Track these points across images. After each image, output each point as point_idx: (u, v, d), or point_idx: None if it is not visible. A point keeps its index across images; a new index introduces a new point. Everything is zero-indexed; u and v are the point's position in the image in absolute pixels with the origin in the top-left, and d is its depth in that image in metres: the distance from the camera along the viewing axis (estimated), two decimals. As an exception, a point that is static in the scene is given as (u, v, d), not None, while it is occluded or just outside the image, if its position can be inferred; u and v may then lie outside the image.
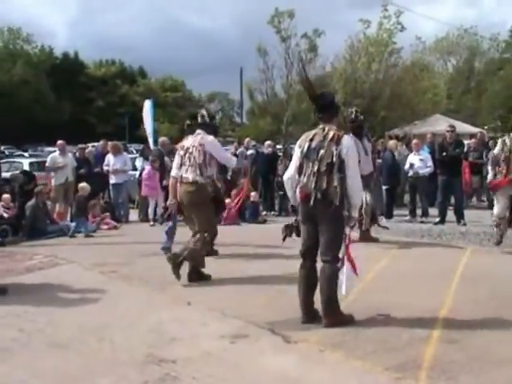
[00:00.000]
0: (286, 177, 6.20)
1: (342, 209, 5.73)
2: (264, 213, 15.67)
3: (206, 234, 7.84)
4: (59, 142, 14.74)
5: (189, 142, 8.15)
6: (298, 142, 6.15)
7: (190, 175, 7.92)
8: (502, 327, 5.71)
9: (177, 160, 8.17)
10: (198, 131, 8.19)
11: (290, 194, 6.19)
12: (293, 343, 5.30)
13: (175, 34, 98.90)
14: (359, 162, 6.46)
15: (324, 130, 5.92)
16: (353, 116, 10.63)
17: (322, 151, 5.79)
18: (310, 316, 5.86)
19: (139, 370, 4.69)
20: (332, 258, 5.75)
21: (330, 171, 5.73)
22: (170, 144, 14.60)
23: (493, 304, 6.48)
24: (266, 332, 5.60)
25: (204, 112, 8.53)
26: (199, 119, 8.33)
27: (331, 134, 5.82)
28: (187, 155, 8.01)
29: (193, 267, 7.80)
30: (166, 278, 7.65)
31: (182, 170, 8.01)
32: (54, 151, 15.55)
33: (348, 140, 5.91)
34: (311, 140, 5.93)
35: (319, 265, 5.84)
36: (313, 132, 6.04)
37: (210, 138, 8.17)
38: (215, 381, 4.48)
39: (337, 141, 5.77)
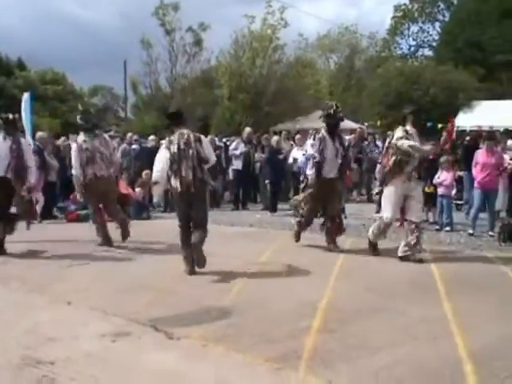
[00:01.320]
0: (158, 173, 7.88)
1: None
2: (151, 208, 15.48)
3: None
4: None
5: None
6: (165, 145, 7.89)
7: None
8: (376, 317, 5.93)
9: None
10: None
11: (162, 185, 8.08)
12: (175, 339, 5.27)
13: (55, 25, 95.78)
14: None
15: (184, 134, 7.79)
16: (331, 111, 9.62)
17: (191, 150, 7.71)
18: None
19: (14, 373, 4.52)
20: (204, 226, 8.00)
21: (200, 164, 7.78)
22: (48, 139, 14.15)
23: (369, 295, 6.73)
24: (148, 329, 5.54)
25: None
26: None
27: (192, 136, 7.79)
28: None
29: None
30: (45, 277, 7.40)
31: None
32: None
33: (205, 139, 8.15)
34: (178, 143, 7.70)
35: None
36: (176, 136, 7.78)
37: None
38: (95, 381, 4.39)
39: (199, 140, 7.81)
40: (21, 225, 9.43)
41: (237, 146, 16.34)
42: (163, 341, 5.27)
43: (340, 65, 45.78)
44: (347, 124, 28.13)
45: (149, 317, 5.84)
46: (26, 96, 14.68)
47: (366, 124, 31.28)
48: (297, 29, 55.43)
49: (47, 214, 13.09)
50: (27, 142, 10.63)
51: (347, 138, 18.73)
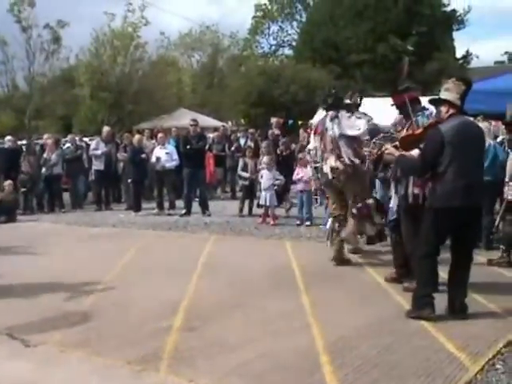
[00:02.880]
0: None
1: None
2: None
3: None
4: None
5: None
6: None
7: None
8: (237, 313, 6.04)
9: None
10: None
11: None
12: (32, 347, 5.12)
13: None
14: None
15: None
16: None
17: None
18: None
19: None
20: None
21: None
22: None
23: (230, 291, 6.83)
24: (3, 337, 5.36)
25: None
26: None
27: None
28: None
29: None
30: None
31: None
32: None
33: None
34: None
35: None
36: None
37: None
38: None
39: None
40: None
41: (97, 146, 16.04)
42: (19, 349, 5.10)
43: (202, 63, 45.88)
44: (210, 122, 28.39)
45: (3, 325, 5.63)
46: None
47: (229, 123, 31.67)
48: (159, 27, 54.95)
49: None
50: None
51: (210, 135, 18.99)
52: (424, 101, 6.58)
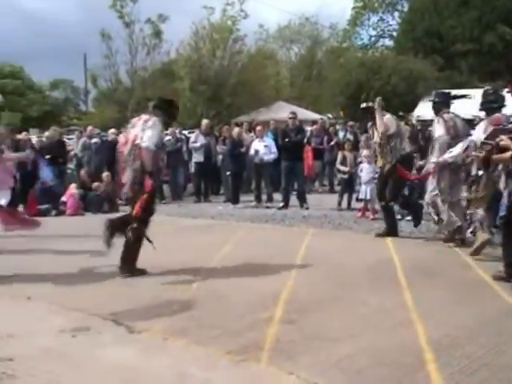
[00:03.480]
0: None
1: None
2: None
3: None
4: None
5: None
6: None
7: None
8: (337, 307, 5.96)
9: None
10: None
11: None
12: (136, 333, 5.23)
13: (10, 17, 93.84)
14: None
15: None
16: None
17: None
18: None
19: (-29, 371, 4.45)
20: None
21: None
22: (6, 133, 13.90)
23: (329, 285, 6.76)
24: (108, 323, 5.49)
25: None
26: None
27: None
28: None
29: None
30: (2, 272, 7.30)
31: None
32: None
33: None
34: None
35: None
36: None
37: None
38: (54, 376, 4.32)
39: None
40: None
41: (196, 139, 16.30)
42: (123, 335, 5.22)
43: (301, 56, 45.79)
44: (308, 115, 28.31)
45: (109, 311, 5.79)
46: (-18, 91, 14.39)
47: (329, 116, 31.48)
48: (257, 20, 55.36)
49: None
50: None
51: (309, 128, 18.93)
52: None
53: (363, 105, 10.32)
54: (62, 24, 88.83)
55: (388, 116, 9.62)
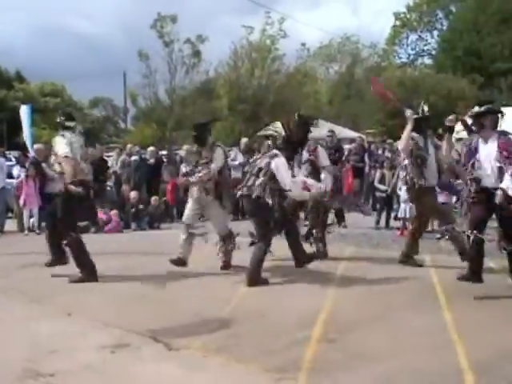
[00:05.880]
0: None
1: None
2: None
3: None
4: None
5: None
6: None
7: None
8: (376, 326, 5.91)
9: None
10: None
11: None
12: (175, 350, 5.25)
13: (54, 38, 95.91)
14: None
15: None
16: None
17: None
18: None
19: (15, 385, 4.51)
20: None
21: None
22: (46, 150, 14.16)
23: (369, 304, 6.69)
24: (147, 340, 5.52)
25: None
26: None
27: None
28: None
29: None
30: (45, 289, 7.40)
31: None
32: None
33: None
34: None
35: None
36: None
37: None
38: (94, 393, 4.37)
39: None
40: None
41: (235, 157, 16.38)
42: (163, 352, 5.25)
43: (340, 74, 45.80)
44: (347, 133, 28.24)
45: (148, 328, 5.82)
46: (24, 108, 14.69)
47: (367, 131, 31.36)
48: (296, 39, 55.53)
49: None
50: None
51: (347, 146, 18.86)
52: None
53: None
54: (104, 45, 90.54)
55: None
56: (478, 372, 4.60)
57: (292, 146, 7.99)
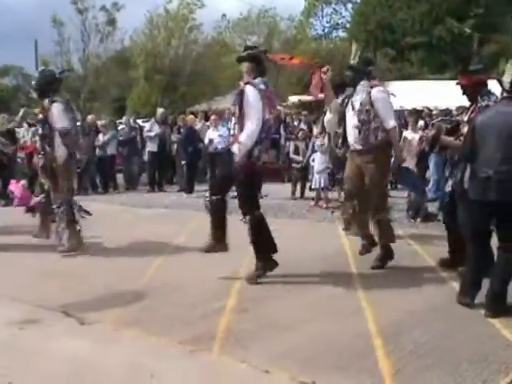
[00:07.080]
0: None
1: None
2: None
3: None
4: None
5: None
6: None
7: None
8: (289, 295, 6.03)
9: None
10: None
11: None
12: (87, 325, 5.19)
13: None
14: None
15: None
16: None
17: None
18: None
19: None
20: None
21: None
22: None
23: (281, 274, 6.68)
24: (58, 315, 5.43)
25: None
26: None
27: None
28: None
29: None
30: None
31: None
32: None
33: None
34: None
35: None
36: None
37: None
38: (4, 369, 4.25)
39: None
40: None
41: (151, 128, 16.18)
42: (75, 327, 5.17)
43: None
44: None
45: (59, 303, 5.72)
46: None
47: (283, 104, 31.54)
48: (216, 9, 54.95)
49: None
50: None
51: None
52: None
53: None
54: (12, 9, 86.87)
55: None
56: (386, 337, 4.76)
57: None
